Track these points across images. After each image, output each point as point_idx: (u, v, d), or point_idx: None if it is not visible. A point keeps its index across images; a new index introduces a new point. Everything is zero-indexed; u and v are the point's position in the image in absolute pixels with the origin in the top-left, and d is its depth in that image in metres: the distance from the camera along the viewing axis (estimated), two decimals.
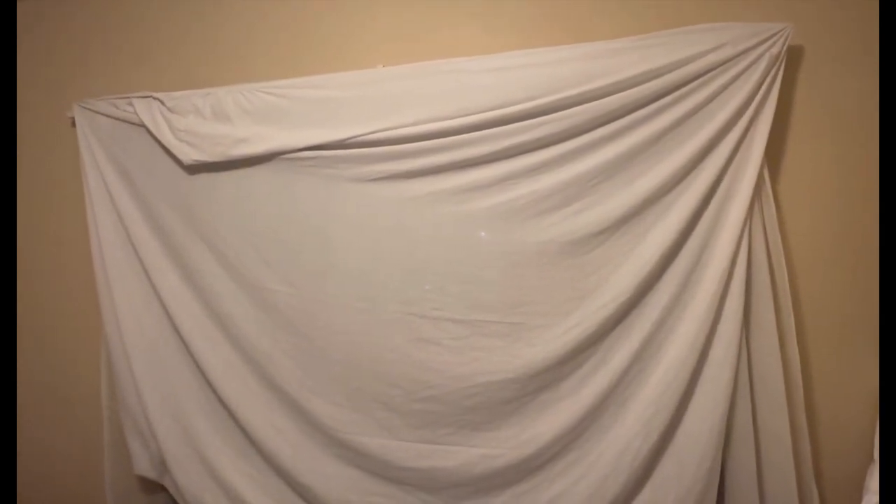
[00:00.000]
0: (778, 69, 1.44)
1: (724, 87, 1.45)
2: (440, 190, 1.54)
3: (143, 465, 1.69)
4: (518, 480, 1.54)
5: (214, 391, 1.65)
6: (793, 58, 1.50)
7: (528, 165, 1.51)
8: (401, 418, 1.56)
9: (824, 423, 1.55)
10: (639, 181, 1.49)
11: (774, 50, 1.43)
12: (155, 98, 1.67)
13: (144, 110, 1.67)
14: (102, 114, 1.71)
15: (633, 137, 1.48)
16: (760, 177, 1.45)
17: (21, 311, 1.83)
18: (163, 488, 1.70)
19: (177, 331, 1.67)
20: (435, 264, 1.54)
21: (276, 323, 1.61)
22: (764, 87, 1.44)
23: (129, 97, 1.70)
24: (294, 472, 1.59)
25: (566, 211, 1.51)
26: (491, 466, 1.52)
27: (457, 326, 1.54)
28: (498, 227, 1.52)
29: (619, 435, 1.48)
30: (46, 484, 1.83)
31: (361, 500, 1.58)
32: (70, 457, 1.83)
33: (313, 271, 1.59)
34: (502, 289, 1.53)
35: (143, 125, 1.66)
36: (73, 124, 1.73)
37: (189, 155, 1.61)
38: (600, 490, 1.48)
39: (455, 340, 1.54)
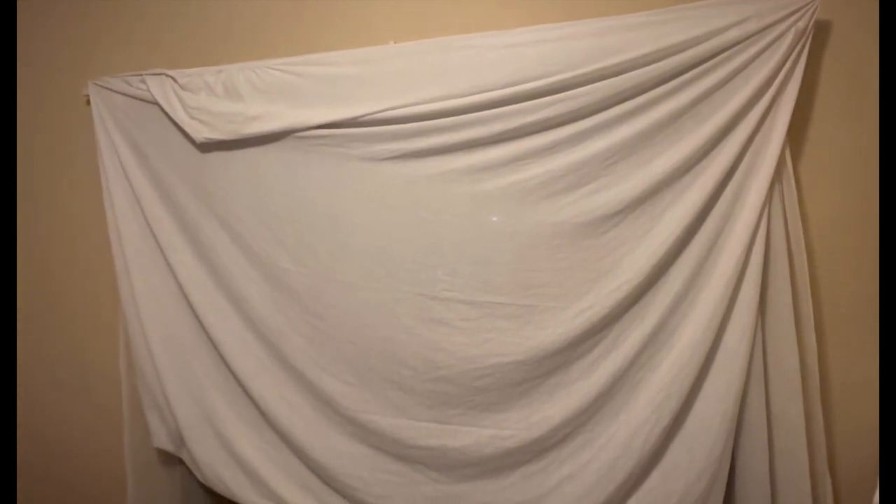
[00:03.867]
0: (804, 45, 1.38)
1: (747, 63, 1.40)
2: (452, 169, 1.52)
3: (161, 439, 1.73)
4: (527, 461, 1.54)
5: (229, 367, 1.67)
6: (819, 33, 1.43)
7: (541, 145, 1.48)
8: (412, 398, 1.57)
9: (840, 410, 1.52)
10: (656, 161, 1.45)
11: (801, 24, 1.36)
12: (167, 75, 1.67)
13: (157, 88, 1.66)
14: (116, 91, 1.71)
15: (650, 116, 1.43)
16: (782, 158, 1.40)
17: (40, 288, 1.87)
18: (181, 461, 1.74)
19: (192, 307, 1.69)
20: (446, 245, 1.53)
21: (289, 301, 1.62)
22: (788, 64, 1.39)
23: (141, 75, 1.69)
24: (306, 447, 1.62)
25: (580, 192, 1.48)
26: (501, 447, 1.52)
27: (468, 308, 1.53)
28: (510, 208, 1.50)
29: (629, 419, 1.47)
30: (67, 456, 1.89)
31: (372, 476, 1.60)
32: (90, 430, 1.88)
33: (324, 250, 1.59)
34: (514, 270, 1.51)
35: (156, 103, 1.66)
36: (89, 102, 1.74)
37: (201, 133, 1.61)
38: (610, 473, 1.47)
39: (466, 322, 1.53)
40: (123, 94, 1.71)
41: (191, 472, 1.72)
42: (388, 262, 1.56)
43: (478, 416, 1.55)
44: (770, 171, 1.39)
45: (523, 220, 1.50)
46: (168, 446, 1.73)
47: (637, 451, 1.46)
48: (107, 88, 1.72)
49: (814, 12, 1.36)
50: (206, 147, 1.64)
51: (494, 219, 1.50)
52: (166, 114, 1.65)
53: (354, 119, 1.53)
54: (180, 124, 1.63)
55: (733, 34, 1.38)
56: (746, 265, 1.41)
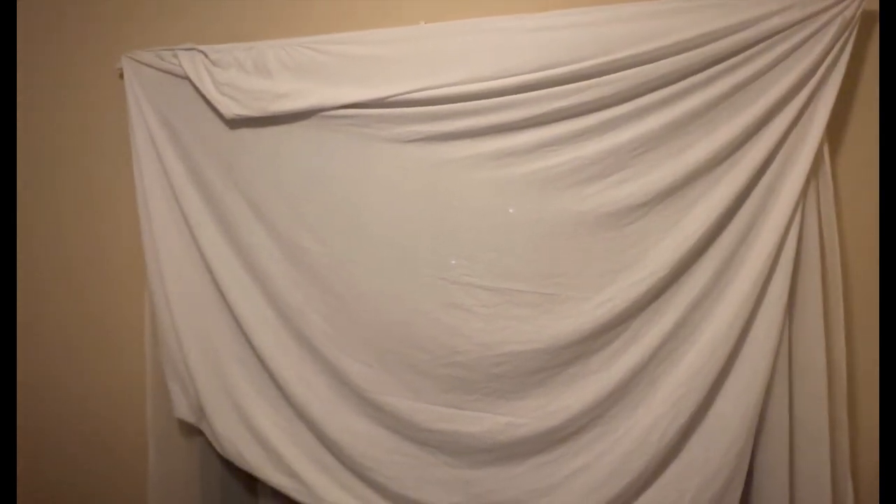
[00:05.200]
0: (849, 35, 1.33)
1: (788, 53, 1.35)
2: (477, 154, 1.50)
3: (183, 410, 1.76)
4: (541, 451, 1.53)
5: (250, 343, 1.69)
6: (865, 24, 1.37)
7: (570, 131, 1.45)
8: (429, 381, 1.57)
9: (867, 416, 1.48)
10: (687, 152, 1.42)
11: (847, 13, 1.31)
12: (199, 51, 1.67)
13: (188, 63, 1.67)
14: (149, 65, 1.72)
15: (683, 105, 1.40)
16: (819, 153, 1.36)
17: (69, 257, 1.91)
18: (200, 432, 1.77)
19: (215, 282, 1.71)
20: (468, 230, 1.52)
21: (309, 281, 1.62)
22: (832, 55, 1.34)
23: (174, 49, 1.70)
24: (322, 426, 1.63)
25: (607, 181, 1.45)
26: (515, 435, 1.52)
27: (488, 294, 1.52)
28: (535, 195, 1.48)
29: (646, 413, 1.45)
30: (91, 423, 1.94)
31: (386, 457, 1.60)
32: (114, 398, 1.92)
33: (346, 231, 1.59)
34: (536, 258, 1.49)
35: (187, 78, 1.67)
36: (122, 76, 1.76)
37: (231, 109, 1.62)
38: (624, 466, 1.46)
39: (485, 308, 1.52)
40: (156, 69, 1.72)
41: (209, 443, 1.75)
42: (409, 245, 1.55)
43: (493, 402, 1.54)
44: (806, 166, 1.35)
45: (547, 208, 1.48)
46: (189, 417, 1.76)
47: (653, 446, 1.44)
48: (140, 62, 1.73)
49: (861, 1, 1.30)
50: (235, 123, 1.65)
51: (511, 210, 1.49)
52: (197, 89, 1.66)
53: (381, 100, 1.52)
54: (210, 100, 1.63)
55: (775, 22, 1.34)
56: (776, 263, 1.38)
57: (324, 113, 1.57)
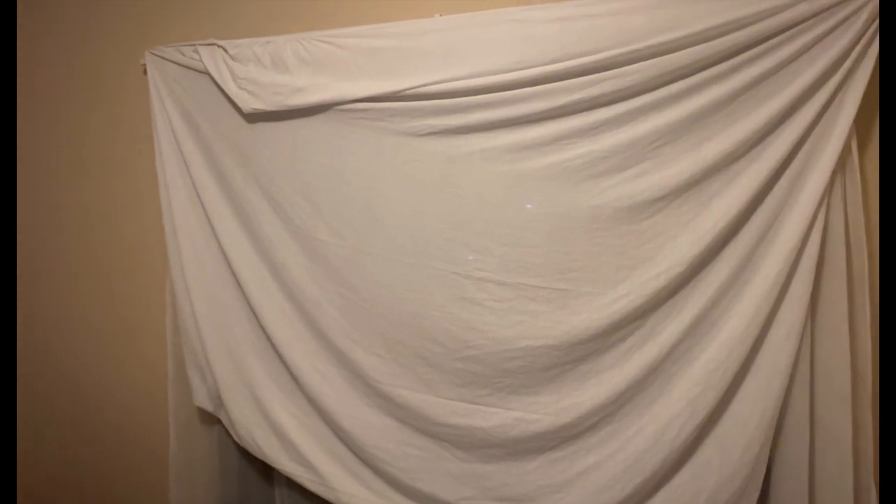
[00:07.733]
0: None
1: (816, 41, 1.29)
2: (492, 147, 1.48)
3: (202, 398, 1.80)
4: (553, 447, 1.52)
5: (266, 334, 1.71)
6: None
7: (587, 124, 1.42)
8: (441, 375, 1.57)
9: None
10: (706, 145, 1.37)
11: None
12: (219, 46, 1.69)
13: (208, 58, 1.69)
14: (170, 61, 1.75)
15: (703, 97, 1.35)
16: (846, 148, 1.30)
17: (95, 251, 1.97)
18: (219, 421, 1.82)
19: (234, 274, 1.74)
20: (481, 224, 1.50)
21: (325, 273, 1.64)
22: (862, 43, 1.27)
23: (195, 45, 1.73)
24: (336, 416, 1.64)
25: (624, 175, 1.42)
26: (526, 430, 1.51)
27: (501, 289, 1.50)
28: (549, 189, 1.45)
29: (662, 411, 1.43)
30: (114, 410, 2.01)
31: (398, 450, 1.61)
32: (137, 386, 1.98)
33: (361, 224, 1.59)
34: (550, 253, 1.47)
35: (207, 73, 1.69)
36: (146, 71, 1.79)
37: (249, 103, 1.63)
38: (637, 464, 1.43)
39: (498, 302, 1.51)
40: (177, 64, 1.75)
41: (227, 432, 1.79)
42: (423, 239, 1.55)
43: (506, 397, 1.53)
44: (832, 161, 1.29)
45: (562, 202, 1.45)
46: (207, 406, 1.80)
47: (667, 445, 1.41)
48: (162, 58, 1.77)
49: None
50: (254, 118, 1.66)
51: (528, 206, 1.47)
52: (216, 84, 1.68)
53: (396, 93, 1.51)
54: (229, 94, 1.65)
55: (802, 9, 1.28)
56: (799, 261, 1.33)
57: (340, 107, 1.57)
